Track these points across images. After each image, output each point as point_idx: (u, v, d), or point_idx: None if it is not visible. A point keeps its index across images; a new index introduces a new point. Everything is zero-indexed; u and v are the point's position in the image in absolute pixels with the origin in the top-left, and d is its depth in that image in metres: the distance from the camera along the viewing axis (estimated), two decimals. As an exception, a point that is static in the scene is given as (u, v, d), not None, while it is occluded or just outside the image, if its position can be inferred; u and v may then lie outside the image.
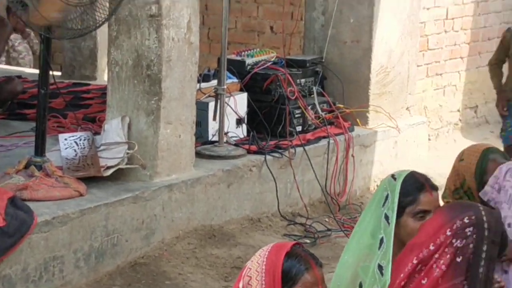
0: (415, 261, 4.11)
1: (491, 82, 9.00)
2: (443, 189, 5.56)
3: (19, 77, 9.67)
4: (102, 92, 7.75)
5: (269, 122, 8.14)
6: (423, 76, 10.38)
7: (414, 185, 4.59)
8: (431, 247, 4.09)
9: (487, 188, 5.23)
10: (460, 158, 5.62)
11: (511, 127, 8.09)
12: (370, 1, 8.91)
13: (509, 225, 5.01)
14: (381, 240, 4.45)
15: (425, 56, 10.48)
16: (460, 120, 11.30)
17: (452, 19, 11.10)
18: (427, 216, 4.48)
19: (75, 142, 6.64)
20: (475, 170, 5.39)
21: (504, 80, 8.76)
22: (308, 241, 7.40)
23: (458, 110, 11.21)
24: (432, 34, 10.68)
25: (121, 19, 6.74)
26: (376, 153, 8.90)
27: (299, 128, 8.26)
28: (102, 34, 8.89)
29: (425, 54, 10.53)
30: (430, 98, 10.71)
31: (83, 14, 6.35)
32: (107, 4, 6.43)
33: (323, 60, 8.93)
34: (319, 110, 8.50)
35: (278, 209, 7.87)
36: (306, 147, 8.17)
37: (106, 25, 6.87)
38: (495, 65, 8.67)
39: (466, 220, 4.07)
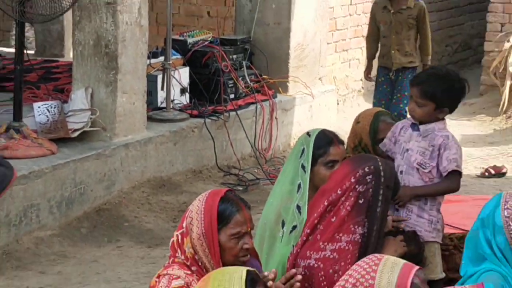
0: (326, 203, 4.20)
1: None
2: (347, 146, 5.66)
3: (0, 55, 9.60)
4: (69, 67, 7.71)
5: (207, 91, 8.13)
6: (332, 52, 10.40)
7: (325, 140, 4.70)
8: (339, 192, 4.18)
9: (385, 140, 5.28)
10: (357, 121, 5.65)
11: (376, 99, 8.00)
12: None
13: (401, 172, 5.11)
14: (299, 186, 4.56)
15: (333, 35, 10.50)
16: (362, 87, 11.35)
17: (355, 4, 11.13)
18: (336, 166, 4.59)
19: (47, 109, 6.66)
20: (369, 130, 5.42)
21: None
22: (240, 188, 7.45)
23: (361, 80, 11.24)
24: (339, 17, 10.71)
25: (83, 6, 6.71)
26: (295, 116, 8.91)
27: (232, 96, 8.25)
28: (68, 18, 8.77)
29: (334, 33, 10.54)
30: (338, 70, 10.76)
31: (51, 2, 6.34)
32: (72, -7, 6.39)
33: (251, 39, 8.89)
34: (248, 81, 8.51)
35: (216, 162, 7.89)
36: (238, 111, 8.19)
37: (70, 11, 6.83)
38: (368, 38, 8.49)
39: (366, 169, 4.20)
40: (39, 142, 6.41)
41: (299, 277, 3.72)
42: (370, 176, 4.15)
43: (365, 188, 4.14)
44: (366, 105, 10.41)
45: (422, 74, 5.48)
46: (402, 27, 7.54)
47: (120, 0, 6.68)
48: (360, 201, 4.11)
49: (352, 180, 4.14)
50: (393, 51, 7.57)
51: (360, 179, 4.15)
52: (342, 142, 4.90)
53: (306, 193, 4.53)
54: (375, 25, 7.79)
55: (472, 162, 8.73)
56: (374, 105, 7.92)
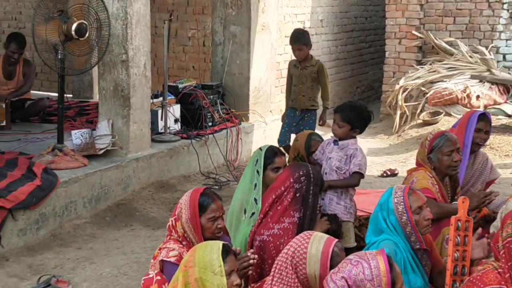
0: (273, 197, 4.28)
1: None
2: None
3: (48, 98, 9.54)
4: (96, 106, 7.66)
5: (193, 121, 8.11)
6: (279, 92, 10.37)
7: (272, 153, 4.85)
8: (282, 189, 4.28)
9: (316, 152, 5.35)
10: (296, 139, 5.74)
11: (284, 130, 7.78)
12: (248, 50, 8.89)
13: (325, 173, 5.14)
14: (255, 185, 4.69)
15: (279, 81, 10.48)
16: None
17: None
18: (280, 171, 4.71)
19: (81, 135, 6.69)
20: (304, 145, 5.47)
21: None
22: (216, 187, 7.39)
23: None
24: (283, 69, 10.65)
25: (105, 63, 6.68)
26: (254, 137, 8.88)
27: (210, 124, 8.24)
28: (95, 71, 8.69)
29: (279, 80, 10.52)
30: (283, 105, 10.71)
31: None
32: (97, 54, 6.47)
33: (222, 85, 8.90)
34: (221, 113, 8.51)
35: (200, 170, 7.86)
36: (215, 134, 8.17)
37: (97, 66, 6.89)
38: (287, 87, 7.95)
39: (301, 173, 4.30)
40: (75, 157, 6.40)
41: (253, 256, 3.75)
42: (304, 177, 4.27)
43: (300, 185, 4.26)
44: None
45: (343, 105, 5.51)
46: (306, 79, 7.48)
47: (131, 58, 6.66)
48: (297, 195, 4.24)
49: (291, 180, 4.26)
50: (299, 96, 7.51)
51: (297, 179, 4.26)
52: (284, 154, 5.08)
53: (260, 190, 4.64)
54: (290, 77, 7.72)
55: (375, 167, 8.65)
56: (282, 133, 7.80)
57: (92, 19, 6.34)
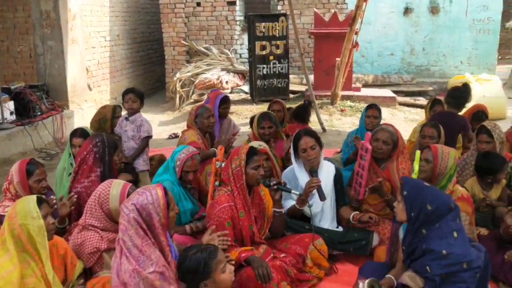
0: (79, 159, 3.94)
1: None
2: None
3: None
4: None
5: (25, 112, 7.70)
6: (92, 87, 10.12)
7: (86, 131, 4.46)
8: (85, 153, 3.94)
9: (116, 128, 5.28)
10: (104, 107, 5.50)
11: None
12: (63, 58, 8.54)
13: (124, 141, 5.15)
14: (70, 154, 4.33)
15: (91, 79, 10.19)
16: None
17: (101, 63, 10.90)
18: (78, 148, 4.28)
19: None
20: (112, 112, 5.32)
21: None
22: (48, 158, 7.08)
23: (108, 100, 10.98)
24: (93, 70, 10.41)
25: None
26: (74, 120, 8.52)
27: (39, 113, 7.87)
28: None
29: (91, 78, 10.22)
30: (94, 95, 10.44)
31: None
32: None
33: (46, 84, 8.46)
34: (46, 105, 8.14)
35: (34, 147, 7.45)
36: (44, 121, 7.83)
37: None
38: None
39: (97, 140, 3.98)
40: None
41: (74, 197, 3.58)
42: (100, 143, 3.98)
43: (98, 149, 3.96)
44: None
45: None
46: None
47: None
48: (97, 156, 3.95)
49: (91, 146, 3.97)
50: None
51: (95, 145, 3.97)
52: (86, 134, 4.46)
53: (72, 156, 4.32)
54: None
55: (165, 133, 8.65)
56: None
57: None
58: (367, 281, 2.89)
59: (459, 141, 5.14)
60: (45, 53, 8.56)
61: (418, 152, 3.64)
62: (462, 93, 5.19)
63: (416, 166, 3.62)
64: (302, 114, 5.69)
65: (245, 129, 7.73)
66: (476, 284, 2.74)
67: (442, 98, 5.61)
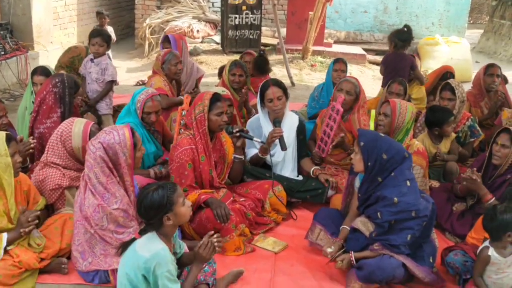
0: (39, 99, 3.85)
1: None
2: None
3: None
4: None
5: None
6: (57, 30, 9.78)
7: (47, 70, 4.37)
8: (44, 93, 3.84)
9: (80, 69, 5.24)
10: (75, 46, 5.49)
11: None
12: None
13: (88, 83, 5.10)
14: (32, 92, 4.26)
15: (57, 21, 9.85)
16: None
17: (69, 5, 10.52)
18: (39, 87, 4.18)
19: None
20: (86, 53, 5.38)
21: None
22: (12, 99, 6.89)
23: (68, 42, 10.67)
24: (60, 11, 10.05)
25: None
26: (39, 62, 8.10)
27: (2, 53, 7.55)
28: None
29: (57, 20, 9.86)
30: (59, 38, 10.14)
31: None
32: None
33: (10, 23, 8.12)
34: (11, 45, 7.80)
35: None
36: (7, 61, 7.54)
37: None
38: None
39: (57, 80, 3.85)
40: None
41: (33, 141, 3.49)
42: (59, 83, 3.87)
43: (57, 89, 3.86)
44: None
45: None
46: None
47: None
48: (57, 96, 3.85)
49: (50, 86, 3.85)
50: None
51: (54, 85, 3.86)
52: (48, 72, 4.35)
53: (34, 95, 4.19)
54: None
55: (132, 79, 8.53)
56: None
57: None
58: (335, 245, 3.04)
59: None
60: (10, -10, 8.21)
61: (373, 112, 3.74)
62: (408, 34, 5.74)
63: (371, 124, 3.73)
64: (260, 65, 5.64)
65: (214, 79, 7.68)
66: (421, 231, 2.90)
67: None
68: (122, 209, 2.78)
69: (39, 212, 2.92)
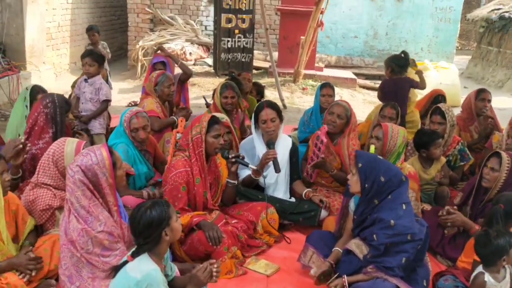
0: (31, 121, 3.79)
1: None
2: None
3: None
4: None
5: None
6: (50, 50, 9.82)
7: (38, 89, 4.33)
8: (36, 114, 3.77)
9: (75, 90, 5.25)
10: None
11: None
12: (22, 17, 8.21)
13: (82, 103, 5.10)
14: (26, 116, 4.09)
15: (50, 42, 9.90)
16: (68, 68, 10.81)
17: (61, 26, 10.55)
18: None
19: None
20: None
21: None
22: (3, 119, 6.83)
23: (68, 64, 10.64)
24: (54, 32, 10.06)
25: None
26: (31, 81, 8.07)
27: (-6, 72, 7.60)
28: None
29: (50, 41, 9.92)
30: (52, 58, 10.15)
31: None
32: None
33: (3, 43, 8.17)
34: (3, 64, 7.86)
35: None
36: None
37: None
38: None
39: (48, 100, 3.81)
40: None
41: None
42: (50, 103, 3.80)
43: (48, 109, 3.79)
44: (71, 77, 10.00)
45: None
46: None
47: None
48: (48, 117, 3.78)
49: (41, 107, 3.78)
50: None
51: (45, 105, 3.79)
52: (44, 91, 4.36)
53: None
54: None
55: (124, 100, 8.54)
56: None
57: None
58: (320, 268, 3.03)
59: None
60: (3, 10, 8.22)
61: (372, 147, 3.74)
62: (405, 60, 5.72)
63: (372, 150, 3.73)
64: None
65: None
66: (415, 255, 2.90)
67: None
68: (107, 232, 2.75)
69: (41, 258, 2.85)
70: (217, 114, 4.33)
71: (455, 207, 3.46)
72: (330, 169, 4.02)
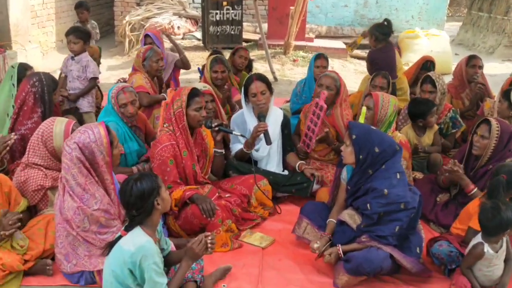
0: (19, 101, 3.74)
1: None
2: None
3: None
4: None
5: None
6: (36, 28, 9.60)
7: (25, 66, 4.27)
8: (23, 94, 3.73)
9: (61, 67, 5.18)
10: None
11: None
12: None
13: (69, 81, 4.98)
14: (13, 95, 3.97)
15: (36, 19, 9.67)
16: (55, 46, 10.64)
17: (46, 3, 10.32)
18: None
19: None
20: None
21: None
22: None
23: (53, 42, 10.47)
24: (38, 10, 9.87)
25: None
26: (18, 61, 7.83)
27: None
28: None
29: (35, 18, 9.67)
30: (37, 37, 9.96)
31: None
32: None
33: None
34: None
35: None
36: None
37: None
38: None
39: (35, 79, 3.76)
40: None
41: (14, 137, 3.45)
42: (37, 82, 3.75)
43: (36, 88, 3.73)
44: (59, 56, 9.85)
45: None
46: None
47: None
48: (36, 96, 3.73)
49: (28, 86, 3.73)
50: None
51: (32, 85, 3.74)
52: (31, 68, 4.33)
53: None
54: None
55: (113, 77, 8.31)
56: None
57: None
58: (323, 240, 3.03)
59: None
60: (-16, -11, 8.03)
61: (364, 108, 3.75)
62: (388, 28, 5.69)
63: (361, 119, 3.73)
64: None
65: (196, 76, 7.65)
66: (408, 223, 2.93)
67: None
68: (103, 209, 2.75)
69: (21, 215, 2.86)
70: (199, 84, 4.32)
71: (460, 164, 3.49)
72: (332, 142, 4.04)
